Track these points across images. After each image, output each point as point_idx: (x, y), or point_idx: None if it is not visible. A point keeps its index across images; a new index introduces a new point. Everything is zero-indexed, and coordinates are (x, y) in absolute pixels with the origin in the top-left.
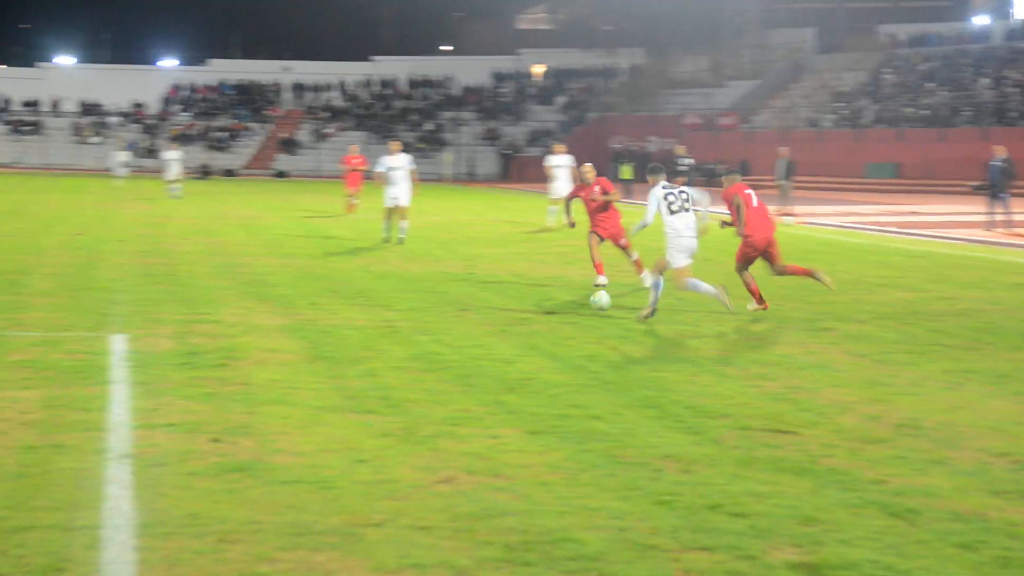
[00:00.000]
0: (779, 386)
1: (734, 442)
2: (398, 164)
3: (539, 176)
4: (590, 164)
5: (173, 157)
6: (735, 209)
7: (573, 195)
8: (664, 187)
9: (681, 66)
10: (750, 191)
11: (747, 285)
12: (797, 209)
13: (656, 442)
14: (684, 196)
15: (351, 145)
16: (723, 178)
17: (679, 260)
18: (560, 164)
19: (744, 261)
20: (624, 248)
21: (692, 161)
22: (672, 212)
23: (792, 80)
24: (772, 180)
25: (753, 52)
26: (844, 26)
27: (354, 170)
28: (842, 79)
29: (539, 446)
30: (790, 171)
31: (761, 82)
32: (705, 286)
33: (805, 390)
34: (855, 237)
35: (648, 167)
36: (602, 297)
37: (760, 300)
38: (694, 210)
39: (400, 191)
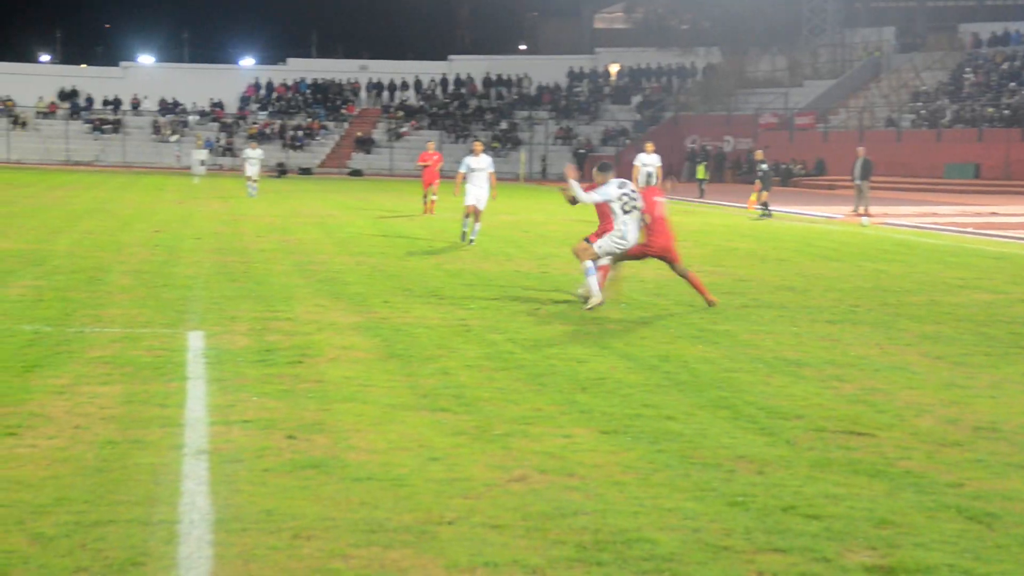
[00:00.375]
0: (855, 388)
1: (809, 444)
2: (479, 166)
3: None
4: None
5: (254, 156)
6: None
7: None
8: (620, 186)
9: (758, 65)
10: (660, 199)
11: (605, 274)
12: (874, 209)
13: (730, 443)
14: (636, 197)
15: (428, 143)
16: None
17: (605, 251)
18: (649, 163)
19: (629, 257)
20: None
21: (767, 166)
22: (625, 212)
23: (871, 79)
24: (849, 180)
25: (831, 51)
26: (924, 25)
27: (428, 166)
28: (922, 79)
29: (612, 446)
30: (867, 171)
31: (839, 81)
32: (593, 284)
33: (881, 392)
34: (933, 238)
35: (598, 165)
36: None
37: (599, 292)
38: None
39: (482, 192)
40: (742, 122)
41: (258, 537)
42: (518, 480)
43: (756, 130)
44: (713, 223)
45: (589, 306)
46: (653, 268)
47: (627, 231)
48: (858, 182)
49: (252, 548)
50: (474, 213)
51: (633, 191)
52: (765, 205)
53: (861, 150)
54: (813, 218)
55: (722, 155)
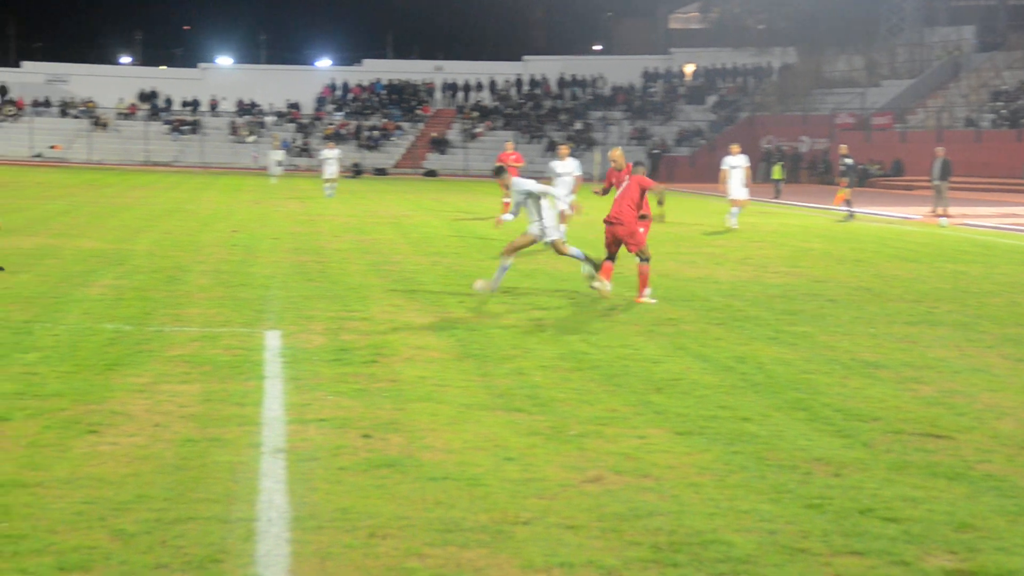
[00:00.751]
0: (933, 390)
1: (886, 446)
2: (566, 170)
3: (687, 176)
4: (620, 149)
5: (331, 156)
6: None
7: (608, 184)
8: (523, 181)
9: (834, 65)
10: (625, 179)
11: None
12: (953, 210)
13: (806, 445)
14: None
15: (506, 142)
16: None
17: (533, 235)
18: (736, 165)
19: (612, 243)
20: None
21: (852, 161)
22: (542, 196)
23: (950, 79)
24: (927, 180)
25: (910, 51)
26: (1005, 23)
27: (510, 167)
28: (1002, 78)
29: (687, 447)
30: (946, 171)
31: (917, 81)
32: (503, 270)
33: (960, 394)
34: (1013, 239)
35: (494, 169)
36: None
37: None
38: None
39: (569, 196)
40: (818, 122)
41: (334, 535)
42: (593, 481)
43: (832, 130)
44: (789, 224)
45: (479, 289)
46: (728, 270)
47: (545, 214)
48: (937, 183)
49: (328, 546)
50: (562, 215)
51: (534, 182)
52: (848, 204)
53: (940, 150)
54: (891, 219)
55: (798, 155)
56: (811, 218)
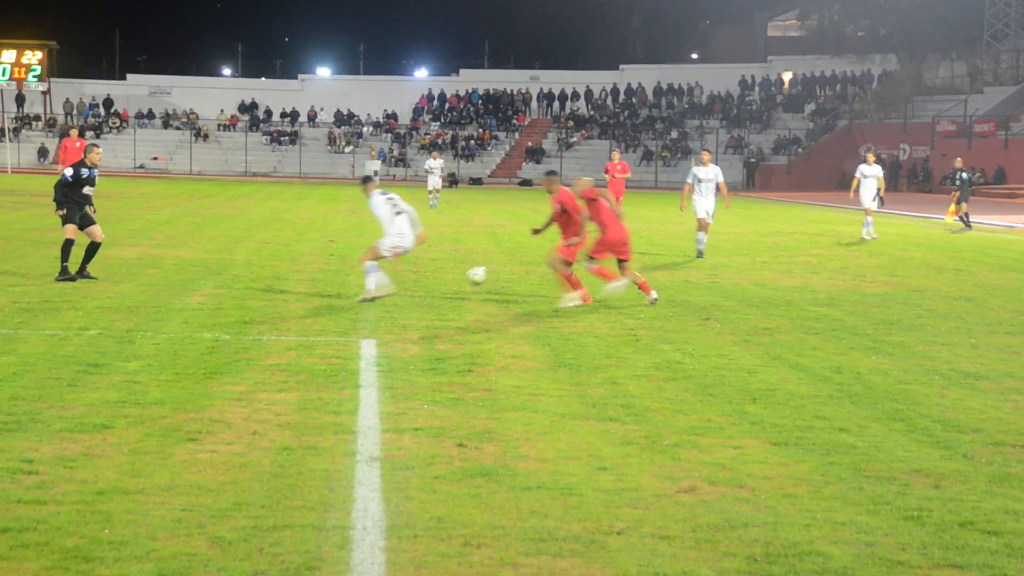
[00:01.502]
0: None
1: (987, 458)
2: (708, 176)
3: (784, 184)
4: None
5: (436, 166)
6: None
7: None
8: (383, 194)
9: (936, 72)
10: (592, 196)
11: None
12: None
13: (904, 456)
14: (399, 202)
15: (613, 152)
16: (575, 182)
17: (386, 250)
18: (870, 175)
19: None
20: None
21: (966, 174)
22: (396, 214)
23: None
24: None
25: (1014, 56)
26: None
27: (615, 178)
28: None
29: (783, 458)
30: None
31: (1022, 87)
32: (383, 279)
33: None
34: None
35: (362, 178)
36: (477, 272)
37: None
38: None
39: (711, 204)
40: (918, 130)
41: (429, 544)
42: (687, 491)
43: (933, 138)
44: (888, 233)
45: (363, 298)
46: (825, 279)
47: (403, 229)
48: None
49: (423, 555)
50: (704, 224)
51: (394, 196)
52: (966, 216)
53: None
54: (992, 227)
55: (897, 164)
56: (910, 227)
